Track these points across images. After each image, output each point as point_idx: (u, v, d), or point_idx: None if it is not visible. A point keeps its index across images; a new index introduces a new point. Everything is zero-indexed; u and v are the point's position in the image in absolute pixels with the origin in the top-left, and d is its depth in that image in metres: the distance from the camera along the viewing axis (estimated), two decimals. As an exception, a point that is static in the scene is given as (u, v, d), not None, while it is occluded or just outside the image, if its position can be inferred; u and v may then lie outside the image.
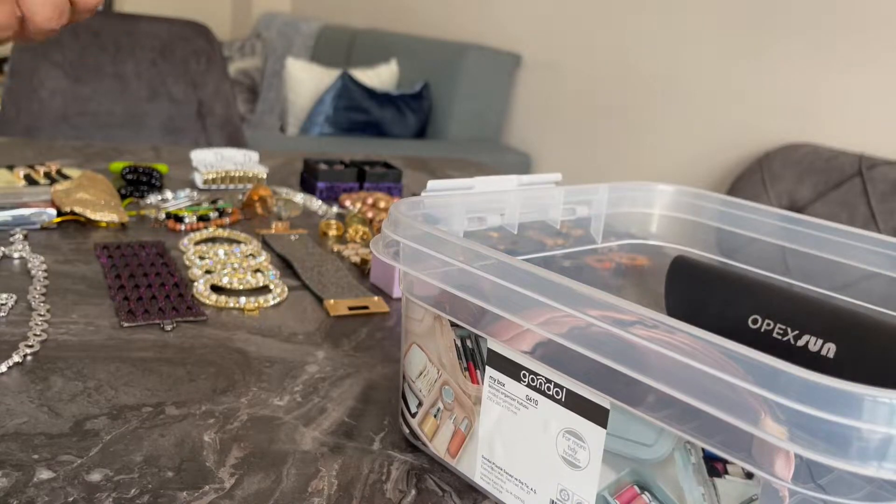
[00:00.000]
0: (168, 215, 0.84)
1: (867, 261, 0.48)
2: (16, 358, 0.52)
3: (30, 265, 0.68)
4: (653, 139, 2.31)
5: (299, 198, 0.99)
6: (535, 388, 0.38)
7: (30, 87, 1.61)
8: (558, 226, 0.54)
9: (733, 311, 0.50)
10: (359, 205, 0.97)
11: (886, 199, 1.66)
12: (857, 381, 0.26)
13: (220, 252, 0.75)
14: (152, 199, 0.91)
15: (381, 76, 2.88)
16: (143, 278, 0.67)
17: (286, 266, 0.76)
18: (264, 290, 0.70)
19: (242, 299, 0.66)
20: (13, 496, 0.38)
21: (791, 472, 0.29)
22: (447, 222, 0.48)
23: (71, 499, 0.39)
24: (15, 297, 0.61)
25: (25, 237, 0.75)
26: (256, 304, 0.66)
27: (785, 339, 0.47)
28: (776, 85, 1.99)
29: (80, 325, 0.59)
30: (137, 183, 0.93)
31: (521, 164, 2.64)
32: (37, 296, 0.62)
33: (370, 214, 0.93)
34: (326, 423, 0.49)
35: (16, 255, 0.70)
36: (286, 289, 0.70)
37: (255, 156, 1.06)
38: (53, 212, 0.79)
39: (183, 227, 0.83)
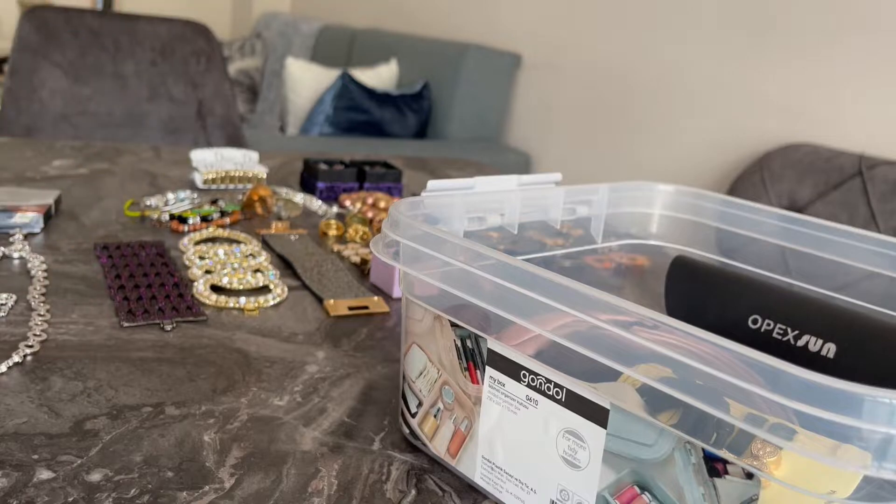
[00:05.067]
0: (172, 216, 0.84)
1: (867, 261, 0.48)
2: (16, 358, 0.52)
3: (30, 265, 0.68)
4: (653, 139, 2.31)
5: (299, 198, 0.99)
6: (535, 388, 0.38)
7: (30, 87, 1.61)
8: (558, 226, 0.54)
9: (733, 311, 0.50)
10: (359, 205, 0.97)
11: (886, 199, 1.66)
12: (857, 381, 0.26)
13: (220, 252, 0.75)
14: (154, 200, 0.91)
15: (381, 76, 2.88)
16: (143, 278, 0.67)
17: (286, 266, 0.76)
18: (264, 290, 0.70)
19: (242, 299, 0.66)
20: (13, 496, 0.38)
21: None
22: (447, 222, 0.48)
23: (71, 499, 0.39)
24: (15, 297, 0.61)
25: (25, 237, 0.75)
26: (256, 304, 0.66)
27: (785, 339, 0.47)
28: (776, 85, 1.98)
29: (80, 325, 0.59)
30: None
31: (521, 164, 2.64)
32: (37, 296, 0.62)
33: (370, 214, 0.93)
34: (326, 423, 0.49)
35: (16, 255, 0.70)
36: (286, 289, 0.70)
37: (254, 156, 1.06)
38: (40, 220, 0.77)
39: (186, 228, 0.83)
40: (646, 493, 0.34)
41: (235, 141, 1.79)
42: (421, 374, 0.45)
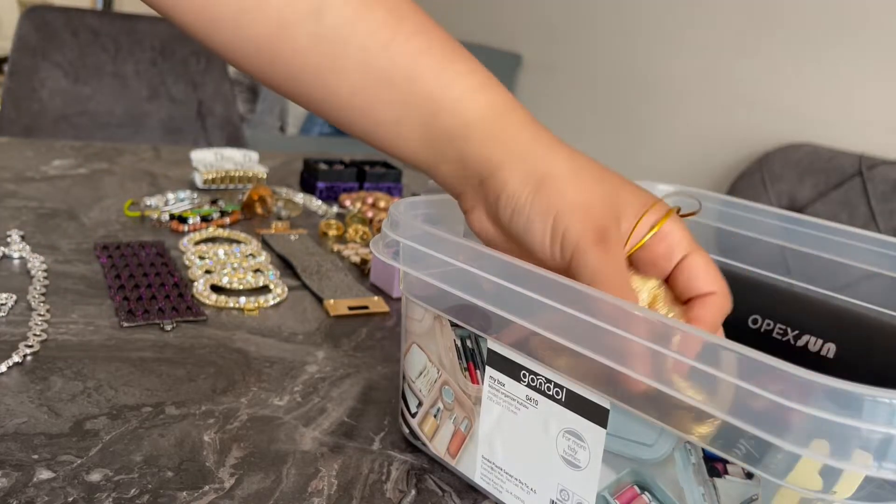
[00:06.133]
0: (172, 216, 0.84)
1: (867, 261, 0.48)
2: (16, 358, 0.52)
3: (30, 265, 0.68)
4: (653, 139, 2.31)
5: (299, 198, 0.99)
6: (535, 388, 0.38)
7: (30, 87, 1.61)
8: (558, 226, 0.53)
9: (733, 311, 0.50)
10: (359, 205, 0.97)
11: (886, 199, 1.66)
12: (857, 381, 0.26)
13: (220, 252, 0.75)
14: (154, 200, 0.91)
15: (381, 76, 2.87)
16: (143, 278, 0.67)
17: (286, 266, 0.76)
18: (264, 290, 0.70)
19: (242, 299, 0.66)
20: (13, 496, 0.38)
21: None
22: (447, 222, 0.48)
23: (71, 499, 0.39)
24: (15, 297, 0.61)
25: (24, 237, 0.75)
26: (256, 304, 0.66)
27: (785, 339, 0.47)
28: (776, 85, 1.98)
29: (80, 325, 0.58)
30: None
31: (521, 164, 2.64)
32: (37, 296, 0.62)
33: (370, 214, 0.93)
34: (326, 423, 0.49)
35: (16, 255, 0.70)
36: (286, 289, 0.70)
37: (254, 156, 1.06)
38: None
39: (186, 228, 0.83)
40: (646, 493, 0.34)
41: (235, 141, 1.79)
42: (421, 374, 0.45)
